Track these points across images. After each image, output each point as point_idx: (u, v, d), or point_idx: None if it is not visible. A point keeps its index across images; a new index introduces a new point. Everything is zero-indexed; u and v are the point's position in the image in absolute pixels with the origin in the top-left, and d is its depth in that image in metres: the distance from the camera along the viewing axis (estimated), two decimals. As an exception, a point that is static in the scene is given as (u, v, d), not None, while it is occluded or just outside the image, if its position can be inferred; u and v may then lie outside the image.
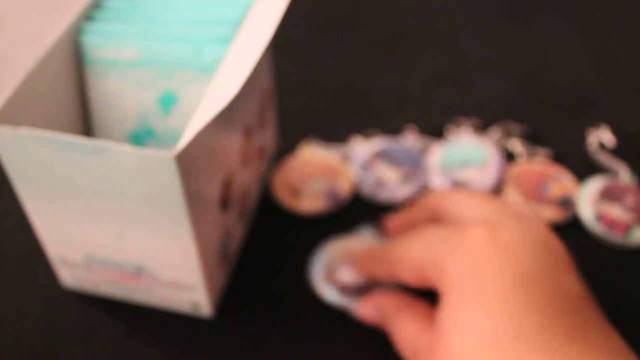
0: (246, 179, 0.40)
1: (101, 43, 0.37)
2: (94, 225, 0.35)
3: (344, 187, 0.44)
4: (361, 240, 0.41)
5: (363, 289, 0.39)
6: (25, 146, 0.31)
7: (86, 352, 0.37)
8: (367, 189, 0.44)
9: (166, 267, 0.36)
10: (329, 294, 0.39)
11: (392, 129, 0.48)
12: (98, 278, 0.38)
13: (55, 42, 0.35)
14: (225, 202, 0.37)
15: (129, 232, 0.34)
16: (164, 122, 0.38)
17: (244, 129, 0.39)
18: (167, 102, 0.37)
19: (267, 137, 0.44)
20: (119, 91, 0.37)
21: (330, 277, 0.40)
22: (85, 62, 0.37)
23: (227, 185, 0.37)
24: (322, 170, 0.45)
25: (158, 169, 0.30)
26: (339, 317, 0.38)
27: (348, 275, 0.39)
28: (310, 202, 0.43)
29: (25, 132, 0.31)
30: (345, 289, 0.39)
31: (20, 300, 0.40)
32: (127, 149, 0.30)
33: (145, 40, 0.36)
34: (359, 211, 0.43)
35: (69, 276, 0.39)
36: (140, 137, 0.38)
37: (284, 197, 0.44)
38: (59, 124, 0.37)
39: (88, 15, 0.38)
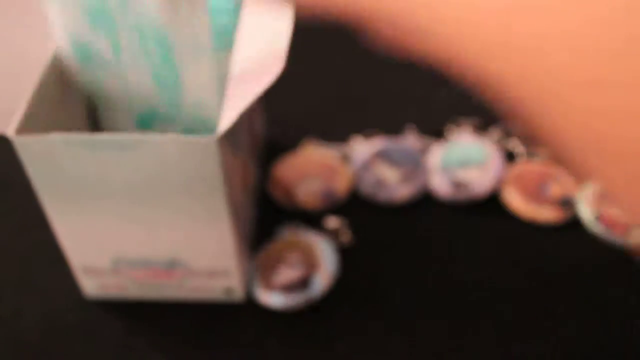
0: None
1: (99, 39, 0.36)
2: (126, 224, 0.34)
3: (341, 187, 0.44)
4: (281, 242, 0.41)
5: (302, 282, 0.39)
6: (55, 152, 0.31)
7: (87, 351, 0.37)
8: (367, 189, 0.44)
9: (201, 256, 0.36)
10: (276, 300, 0.38)
11: (392, 129, 0.48)
12: (126, 281, 0.38)
13: (57, 47, 0.35)
14: (246, 187, 0.37)
15: (163, 225, 0.34)
16: (167, 101, 0.37)
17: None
18: (167, 80, 0.37)
19: (257, 125, 0.44)
20: (120, 80, 0.37)
21: (268, 284, 0.39)
22: (83, 60, 0.37)
23: (245, 170, 0.37)
24: (319, 169, 0.45)
25: (199, 155, 0.30)
26: (340, 317, 0.38)
27: (283, 274, 0.39)
28: (305, 200, 0.43)
29: (56, 137, 0.30)
30: (287, 288, 0.39)
31: (21, 300, 0.40)
32: (166, 138, 0.29)
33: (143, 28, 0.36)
34: (358, 210, 0.43)
35: (93, 285, 0.39)
36: (146, 121, 0.38)
37: (279, 194, 0.44)
38: (71, 125, 0.37)
39: (87, 13, 0.37)
